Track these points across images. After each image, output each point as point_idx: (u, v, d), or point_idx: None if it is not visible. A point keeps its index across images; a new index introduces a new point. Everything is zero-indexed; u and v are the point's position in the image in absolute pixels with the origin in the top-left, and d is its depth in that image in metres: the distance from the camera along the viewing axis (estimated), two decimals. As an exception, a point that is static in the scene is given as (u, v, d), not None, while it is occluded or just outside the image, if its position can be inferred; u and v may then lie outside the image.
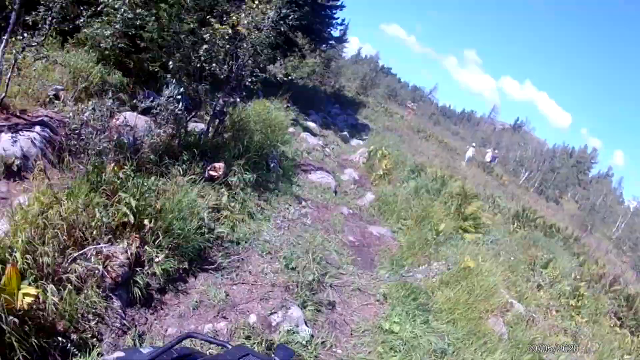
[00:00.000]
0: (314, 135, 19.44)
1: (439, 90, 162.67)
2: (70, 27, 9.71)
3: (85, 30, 10.64)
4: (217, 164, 9.25)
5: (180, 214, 6.90)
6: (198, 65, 9.72)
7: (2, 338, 4.20)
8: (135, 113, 8.78)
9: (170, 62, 9.70)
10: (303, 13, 11.25)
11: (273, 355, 2.43)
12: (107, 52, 11.18)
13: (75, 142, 7.13)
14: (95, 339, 5.01)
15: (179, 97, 8.68)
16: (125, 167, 7.03)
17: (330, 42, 30.76)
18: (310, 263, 7.84)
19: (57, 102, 9.21)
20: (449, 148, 37.30)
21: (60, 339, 4.65)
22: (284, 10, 10.22)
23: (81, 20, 9.27)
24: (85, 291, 5.19)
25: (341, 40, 33.01)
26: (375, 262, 9.95)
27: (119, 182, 6.65)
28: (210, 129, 10.64)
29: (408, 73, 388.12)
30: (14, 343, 4.22)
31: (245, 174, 9.55)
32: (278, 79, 10.99)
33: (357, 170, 16.55)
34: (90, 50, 11.41)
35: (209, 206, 8.25)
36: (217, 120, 10.54)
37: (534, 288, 11.97)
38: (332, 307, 7.52)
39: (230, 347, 2.52)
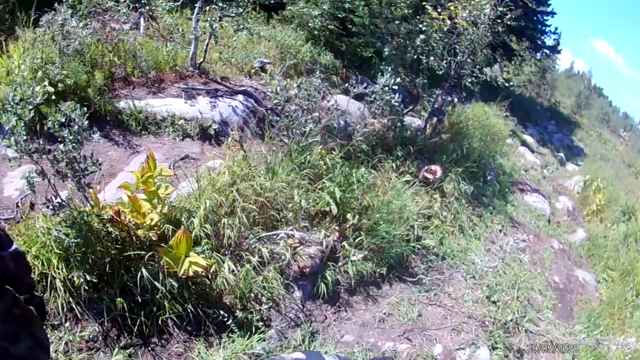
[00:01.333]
0: (532, 151, 18.71)
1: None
2: (273, 1, 9.96)
3: (290, 8, 10.85)
4: (433, 167, 9.01)
5: (389, 215, 6.73)
6: (414, 56, 9.64)
7: (154, 297, 4.36)
8: (347, 97, 8.65)
9: (386, 49, 9.60)
10: (517, 14, 10.63)
11: None
12: (316, 32, 11.37)
13: (279, 119, 7.11)
14: (262, 323, 4.98)
15: (395, 87, 8.37)
16: (334, 152, 7.00)
17: (544, 50, 29.19)
18: (514, 300, 7.31)
19: (263, 74, 9.46)
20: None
21: (222, 312, 4.69)
22: (500, 8, 9.60)
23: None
24: (266, 273, 5.20)
25: (555, 50, 31.13)
26: (574, 313, 9.23)
27: (325, 167, 6.57)
28: (428, 127, 10.38)
29: (617, 97, 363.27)
30: (166, 304, 4.35)
31: (463, 183, 9.31)
32: (498, 83, 10.52)
33: (571, 199, 15.60)
34: (298, 29, 11.62)
35: (419, 211, 8.04)
36: (435, 119, 10.27)
37: None
38: (520, 356, 6.92)
39: None
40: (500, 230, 9.96)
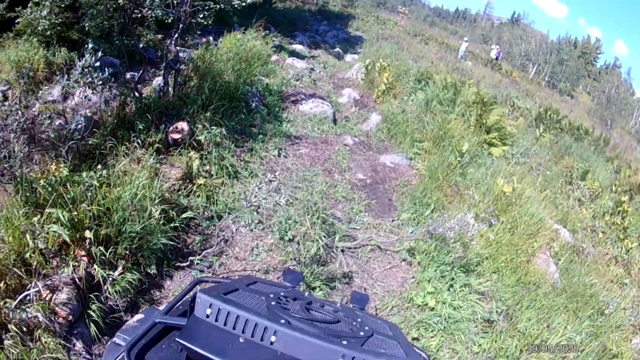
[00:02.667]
0: (302, 58, 17.30)
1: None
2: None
3: (19, 19, 9.47)
4: (178, 124, 7.59)
5: (124, 212, 5.22)
6: (121, 19, 8.07)
7: None
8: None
9: (86, 23, 8.05)
10: None
11: (282, 280, 2.72)
12: (48, 33, 9.94)
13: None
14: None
15: (97, 63, 6.62)
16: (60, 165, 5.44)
17: None
18: (313, 227, 6.06)
19: (6, 104, 7.87)
20: (451, 49, 35.03)
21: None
22: None
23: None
24: (39, 339, 4.13)
25: None
26: (395, 202, 8.30)
27: (46, 191, 5.04)
28: (170, 83, 8.88)
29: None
30: None
31: (213, 127, 7.84)
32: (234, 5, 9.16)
33: (356, 88, 14.59)
34: (31, 37, 10.47)
35: (176, 179, 6.72)
36: (171, 72, 8.77)
37: (576, 205, 10.53)
38: (349, 280, 6.07)
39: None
40: (279, 155, 8.70)
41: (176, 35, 8.54)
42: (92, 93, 6.71)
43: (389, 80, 13.39)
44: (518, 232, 7.32)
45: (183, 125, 7.54)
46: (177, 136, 7.41)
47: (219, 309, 1.76)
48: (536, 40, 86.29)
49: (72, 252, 4.83)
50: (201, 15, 8.74)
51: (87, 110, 7.38)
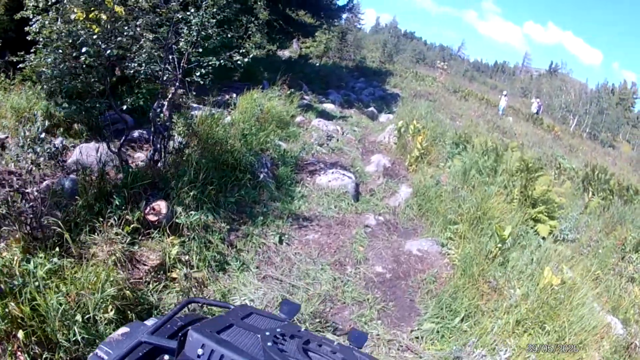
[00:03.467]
0: (331, 118, 15.79)
1: (467, 46, 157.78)
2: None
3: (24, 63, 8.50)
4: (156, 204, 6.18)
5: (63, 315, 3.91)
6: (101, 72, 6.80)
7: None
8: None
9: (43, 72, 6.88)
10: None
11: (278, 312, 2.56)
12: (53, 81, 8.73)
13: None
14: None
15: (42, 135, 5.48)
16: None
17: (336, 11, 27.63)
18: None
19: (3, 153, 7.23)
20: (491, 104, 33.57)
21: None
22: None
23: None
24: None
25: (347, 8, 29.86)
26: (417, 305, 6.52)
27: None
28: (159, 151, 7.56)
29: (432, 35, 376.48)
30: None
31: (192, 212, 6.46)
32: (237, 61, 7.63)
33: (387, 154, 12.95)
34: (36, 84, 9.47)
35: (152, 267, 5.41)
36: (162, 138, 7.47)
37: (630, 286, 8.71)
38: None
39: (233, 307, 2.45)
40: (280, 241, 7.14)
41: (170, 96, 7.37)
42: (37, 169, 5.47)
43: (423, 145, 11.81)
44: (566, 341, 5.64)
45: (161, 205, 6.19)
46: (153, 218, 6.07)
47: (212, 350, 1.65)
48: (575, 91, 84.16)
49: (9, 347, 3.95)
50: (198, 73, 7.35)
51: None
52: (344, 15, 33.82)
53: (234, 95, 14.72)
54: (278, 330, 2.03)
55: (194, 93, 8.67)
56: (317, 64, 32.44)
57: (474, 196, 9.12)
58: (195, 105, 12.80)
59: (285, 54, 36.56)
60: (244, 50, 7.84)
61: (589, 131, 66.71)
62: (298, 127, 13.16)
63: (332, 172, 9.79)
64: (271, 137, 10.71)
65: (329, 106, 18.38)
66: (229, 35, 8.05)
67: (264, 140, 10.06)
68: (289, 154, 10.36)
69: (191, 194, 6.60)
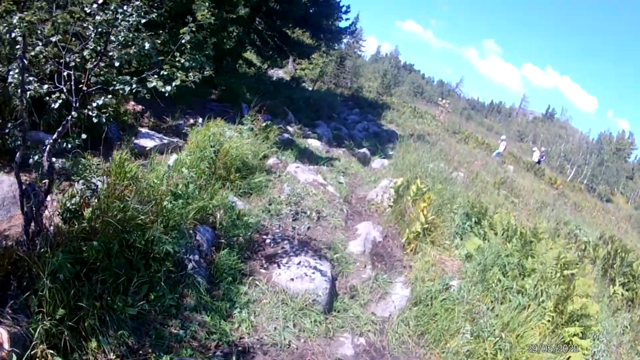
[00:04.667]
0: (314, 161, 12.61)
1: (464, 83, 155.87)
2: None
3: None
4: None
5: None
6: None
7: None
8: None
9: None
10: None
11: None
12: None
13: None
14: None
15: None
16: None
17: (336, 33, 24.87)
18: None
19: None
20: (492, 149, 30.84)
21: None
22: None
23: None
24: None
25: (349, 31, 27.20)
26: None
27: None
28: (36, 220, 4.60)
29: (430, 69, 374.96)
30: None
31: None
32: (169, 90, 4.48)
33: (379, 220, 9.77)
34: None
35: None
36: (32, 205, 4.52)
37: None
38: None
39: None
40: None
41: (55, 136, 4.63)
42: None
43: (427, 215, 8.64)
44: None
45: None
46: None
47: None
48: (575, 139, 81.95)
49: None
50: (95, 104, 4.68)
51: None
52: (345, 39, 31.37)
53: (200, 120, 11.77)
54: None
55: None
56: (311, 89, 29.55)
57: (498, 311, 6.22)
58: (145, 131, 9.77)
59: (278, 73, 33.72)
60: (167, 73, 4.80)
61: (586, 182, 64.17)
62: (268, 173, 9.97)
63: (299, 263, 6.47)
64: (224, 194, 7.62)
65: (314, 143, 15.12)
66: (149, 46, 4.97)
67: (208, 202, 6.92)
68: (244, 222, 7.23)
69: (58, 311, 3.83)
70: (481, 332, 5.76)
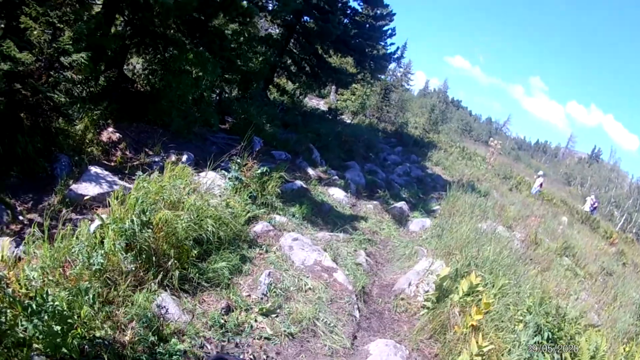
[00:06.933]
0: (330, 224, 8.95)
1: (512, 121, 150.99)
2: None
3: None
4: None
5: None
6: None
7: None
8: None
9: None
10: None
11: None
12: None
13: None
14: None
15: None
16: None
17: (380, 58, 21.60)
18: None
19: None
20: (546, 199, 26.91)
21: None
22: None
23: None
24: None
25: (395, 57, 24.09)
26: None
27: None
28: None
29: (477, 106, 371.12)
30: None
31: None
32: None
33: (407, 328, 6.22)
34: None
35: None
36: None
37: None
38: None
39: None
40: None
41: None
42: None
43: (483, 342, 4.98)
44: None
45: None
46: None
47: None
48: (627, 185, 76.55)
49: None
50: None
51: None
52: (391, 67, 28.22)
53: (184, 157, 8.59)
54: None
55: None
56: (349, 121, 26.08)
57: None
58: (94, 170, 6.75)
59: (319, 104, 30.48)
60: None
61: (635, 231, 58.94)
62: (251, 247, 6.55)
63: None
64: (146, 296, 4.42)
65: (336, 194, 11.22)
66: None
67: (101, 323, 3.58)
68: (167, 351, 3.97)
69: None
70: None
